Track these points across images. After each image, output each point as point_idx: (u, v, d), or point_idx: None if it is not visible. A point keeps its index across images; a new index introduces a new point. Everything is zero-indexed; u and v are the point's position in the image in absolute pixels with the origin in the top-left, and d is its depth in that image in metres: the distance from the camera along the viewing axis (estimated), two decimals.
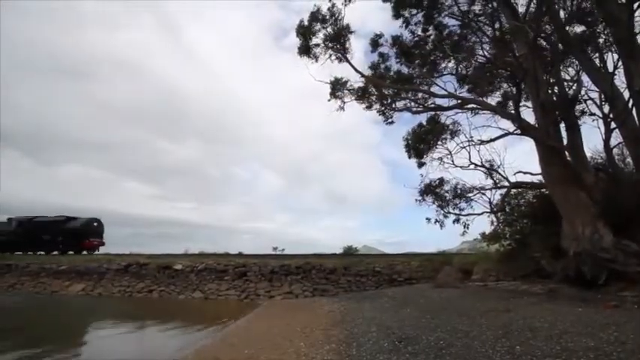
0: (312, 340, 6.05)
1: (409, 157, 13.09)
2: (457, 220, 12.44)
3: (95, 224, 25.78)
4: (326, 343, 5.72)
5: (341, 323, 7.17)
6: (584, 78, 10.38)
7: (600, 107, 10.03)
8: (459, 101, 11.96)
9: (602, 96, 9.68)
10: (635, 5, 7.90)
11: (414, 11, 12.01)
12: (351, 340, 5.71)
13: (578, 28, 9.70)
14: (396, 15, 12.09)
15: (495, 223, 12.39)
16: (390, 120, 13.28)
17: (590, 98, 10.57)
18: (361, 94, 12.90)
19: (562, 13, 9.72)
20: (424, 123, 13.09)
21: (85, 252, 24.42)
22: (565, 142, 9.66)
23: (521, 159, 20.29)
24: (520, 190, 12.03)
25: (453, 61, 12.64)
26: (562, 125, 9.93)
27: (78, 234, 24.56)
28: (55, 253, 24.20)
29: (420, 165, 13.06)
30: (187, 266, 16.55)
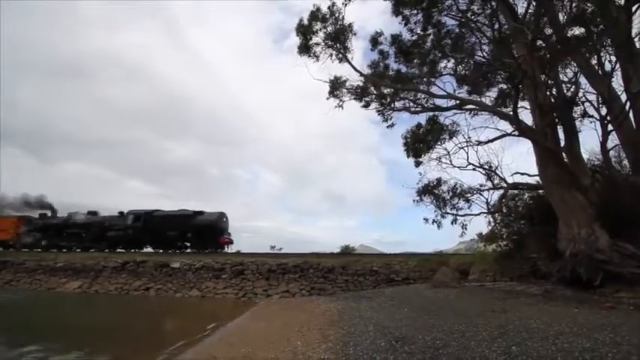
0: (309, 339, 6.05)
1: (408, 157, 13.09)
2: (455, 221, 12.45)
3: (224, 219, 22.91)
4: (323, 342, 5.73)
5: (338, 322, 7.18)
6: (582, 80, 10.42)
7: (598, 109, 10.07)
8: (458, 102, 11.98)
9: (600, 98, 9.72)
10: (634, 8, 7.93)
11: (414, 10, 12.01)
12: (348, 339, 5.72)
13: (577, 30, 9.72)
14: (396, 12, 12.07)
15: (492, 224, 12.44)
16: (390, 122, 13.27)
17: (588, 100, 10.60)
18: (360, 93, 12.89)
19: (561, 15, 9.75)
20: (423, 123, 13.10)
21: (219, 250, 21.84)
22: (562, 143, 9.70)
23: (519, 160, 20.35)
24: (517, 191, 12.08)
25: (452, 62, 12.66)
26: (560, 127, 9.96)
27: (211, 229, 21.69)
28: (188, 250, 22.21)
29: (418, 164, 13.07)
30: (185, 264, 16.54)
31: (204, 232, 21.62)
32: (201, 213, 22.16)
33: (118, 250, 23.26)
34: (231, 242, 22.48)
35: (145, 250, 23.07)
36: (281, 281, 14.65)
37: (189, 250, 22.20)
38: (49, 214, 27.66)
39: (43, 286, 16.90)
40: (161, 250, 22.48)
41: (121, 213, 23.91)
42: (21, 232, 25.93)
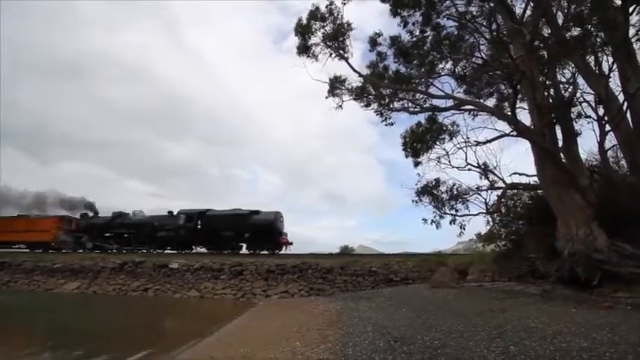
0: (308, 339, 6.05)
1: (406, 156, 13.11)
2: (453, 221, 12.47)
3: (281, 219, 21.44)
4: (322, 342, 5.73)
5: (337, 323, 7.18)
6: (580, 80, 10.46)
7: (595, 110, 10.11)
8: (456, 102, 12.01)
9: (597, 98, 9.76)
10: (631, 9, 7.97)
11: (412, 11, 12.03)
12: (346, 339, 5.72)
13: (575, 31, 9.77)
14: (394, 13, 12.09)
15: (491, 224, 12.46)
16: (389, 121, 13.29)
17: (586, 101, 10.66)
18: (359, 93, 12.90)
19: (559, 16, 9.79)
20: (423, 122, 13.12)
21: (277, 251, 20.65)
22: (560, 144, 9.73)
23: (517, 160, 20.39)
24: (516, 191, 12.10)
25: (450, 62, 12.69)
26: (558, 127, 9.99)
27: (269, 230, 20.41)
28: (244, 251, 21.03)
29: (417, 164, 13.08)
30: (183, 265, 16.51)
31: (261, 232, 20.48)
32: (257, 212, 21.02)
33: (167, 250, 22.39)
34: (290, 243, 21.10)
35: (197, 251, 22.13)
36: (280, 282, 14.63)
37: (244, 251, 21.10)
38: (89, 214, 26.45)
39: (41, 286, 16.84)
40: (211, 251, 21.32)
41: (170, 212, 22.90)
42: (62, 232, 24.70)
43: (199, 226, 21.66)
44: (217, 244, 21.36)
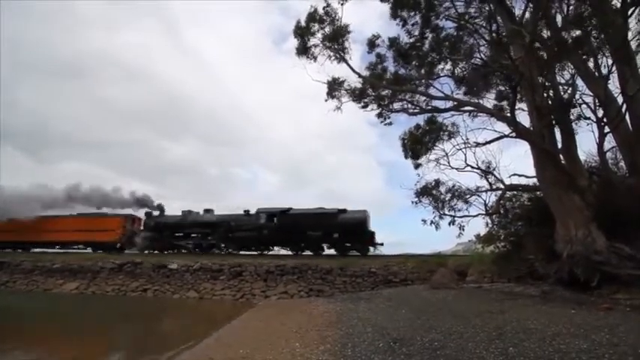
0: (308, 340, 6.05)
1: (406, 158, 13.13)
2: (452, 222, 12.48)
3: (369, 218, 19.88)
4: (321, 343, 5.73)
5: (336, 324, 7.18)
6: (579, 82, 10.48)
7: (594, 111, 10.13)
8: (456, 103, 12.03)
9: (597, 100, 9.77)
10: (630, 11, 8.00)
11: (412, 12, 12.05)
12: (346, 340, 5.72)
13: (574, 33, 9.79)
14: (394, 15, 12.12)
15: (490, 225, 12.46)
16: (387, 121, 13.32)
17: (585, 102, 10.67)
18: (358, 95, 12.92)
19: (558, 17, 9.82)
20: (421, 124, 13.14)
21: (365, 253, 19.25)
22: (560, 145, 9.74)
23: (517, 162, 20.30)
24: (515, 192, 12.11)
25: (449, 63, 12.71)
26: (557, 129, 10.01)
27: (360, 229, 18.93)
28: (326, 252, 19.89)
29: (417, 166, 13.09)
30: (182, 265, 16.49)
31: (351, 232, 19.11)
32: (344, 211, 19.64)
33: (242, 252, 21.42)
34: (380, 244, 19.63)
35: (276, 252, 21.18)
36: (279, 282, 14.62)
37: (331, 252, 19.89)
38: (154, 213, 24.82)
39: (40, 287, 16.82)
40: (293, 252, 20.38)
41: (247, 211, 21.61)
42: (128, 232, 23.74)
43: (282, 226, 20.45)
44: (302, 244, 20.31)
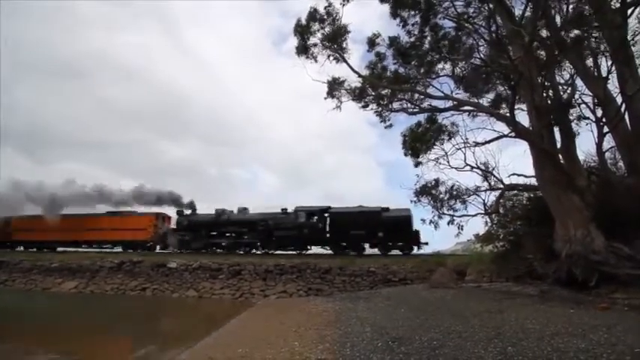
0: (307, 339, 6.05)
1: (406, 155, 13.14)
2: (452, 222, 12.52)
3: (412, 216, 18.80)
4: (320, 342, 5.73)
5: (335, 323, 7.19)
6: (578, 82, 10.50)
7: (593, 111, 10.15)
8: (455, 103, 12.04)
9: (596, 100, 9.79)
10: (629, 11, 8.01)
11: (412, 12, 12.05)
12: (344, 339, 5.73)
13: (573, 33, 9.80)
14: (394, 14, 12.12)
15: (489, 225, 12.49)
16: (388, 122, 13.32)
17: (584, 102, 10.69)
18: (358, 94, 12.92)
19: (558, 18, 9.82)
20: (422, 122, 13.16)
21: (408, 252, 18.50)
22: (559, 145, 9.75)
23: (516, 162, 20.27)
24: (514, 192, 12.13)
25: (449, 63, 12.72)
26: (556, 129, 10.02)
27: (405, 227, 18.09)
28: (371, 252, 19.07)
29: (417, 165, 13.10)
30: (182, 264, 16.48)
31: (397, 230, 18.36)
32: (386, 209, 18.87)
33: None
34: (425, 243, 18.89)
35: (314, 251, 20.33)
36: (278, 282, 14.63)
37: (374, 252, 19.14)
38: (186, 211, 23.81)
39: (39, 286, 16.80)
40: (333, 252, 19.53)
41: (284, 210, 20.96)
42: (159, 230, 23.06)
43: (323, 225, 19.72)
44: (344, 244, 19.57)
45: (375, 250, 19.10)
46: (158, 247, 23.37)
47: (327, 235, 19.71)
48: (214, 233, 22.06)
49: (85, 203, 25.64)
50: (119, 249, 23.48)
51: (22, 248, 25.44)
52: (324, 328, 6.84)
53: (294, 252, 20.17)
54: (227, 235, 21.91)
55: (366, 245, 19.36)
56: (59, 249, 24.51)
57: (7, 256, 20.47)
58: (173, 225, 23.78)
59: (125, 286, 15.79)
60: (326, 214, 19.92)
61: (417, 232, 18.38)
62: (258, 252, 20.83)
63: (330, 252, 19.64)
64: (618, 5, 8.09)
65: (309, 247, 20.50)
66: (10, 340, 8.07)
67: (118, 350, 7.83)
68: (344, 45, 12.46)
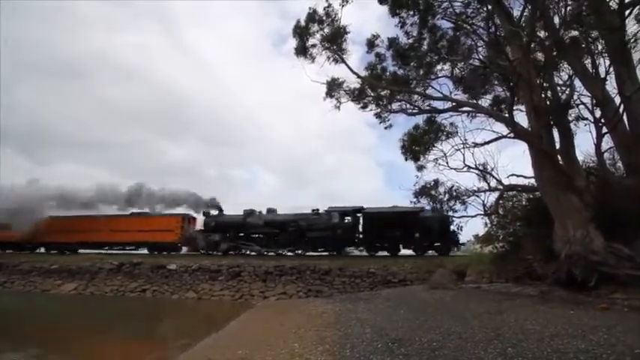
0: (306, 340, 6.05)
1: (405, 159, 13.12)
2: (451, 222, 12.51)
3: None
4: (320, 343, 5.72)
5: (335, 324, 7.18)
6: (577, 83, 10.51)
7: (592, 112, 10.15)
8: (454, 104, 12.05)
9: (594, 101, 9.80)
10: (627, 12, 8.03)
11: (410, 12, 12.07)
12: (344, 341, 5.72)
13: (572, 34, 9.82)
14: (393, 13, 12.14)
15: (489, 226, 12.49)
16: (387, 123, 13.32)
17: (583, 103, 10.69)
18: (357, 95, 12.93)
19: (556, 19, 9.84)
20: (420, 124, 13.16)
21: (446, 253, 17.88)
22: (558, 146, 9.76)
23: (515, 162, 20.29)
24: (513, 193, 12.13)
25: (448, 64, 12.73)
26: (555, 129, 10.04)
27: (444, 228, 17.15)
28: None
29: (420, 169, 13.05)
30: (181, 266, 16.47)
31: (434, 231, 17.85)
32: (422, 209, 17.88)
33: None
34: (462, 244, 18.74)
35: (350, 252, 20.00)
36: (278, 283, 14.62)
37: (403, 252, 18.82)
38: (211, 212, 23.26)
39: (38, 287, 16.77)
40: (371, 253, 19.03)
41: (316, 210, 20.32)
42: (186, 232, 22.62)
43: (357, 225, 19.29)
44: (378, 245, 19.09)
45: (410, 251, 18.73)
46: (185, 249, 22.91)
47: (361, 236, 19.34)
48: (244, 235, 21.50)
49: (116, 204, 25.23)
50: (143, 250, 23.10)
51: (42, 249, 24.87)
52: (323, 329, 6.84)
53: (327, 253, 19.64)
54: (256, 236, 21.33)
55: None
56: (79, 251, 23.87)
57: (6, 257, 20.43)
58: (198, 227, 23.32)
59: (125, 287, 15.78)
60: (359, 215, 19.52)
61: (454, 233, 17.53)
62: (290, 254, 20.27)
63: (364, 253, 19.28)
64: (616, 6, 8.11)
65: (342, 249, 19.99)
66: (9, 342, 8.05)
67: (118, 351, 7.81)
68: (343, 46, 12.46)
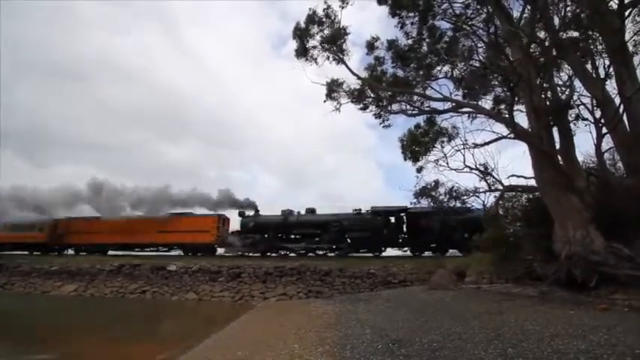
0: (306, 341, 6.04)
1: (405, 159, 13.13)
2: None
3: None
4: (320, 344, 5.72)
5: (335, 325, 7.17)
6: (577, 83, 10.52)
7: (592, 112, 10.16)
8: (454, 104, 12.06)
9: (594, 101, 9.81)
10: (627, 12, 8.04)
11: (410, 13, 12.10)
12: (345, 342, 5.71)
13: (572, 34, 9.83)
14: (393, 14, 12.17)
15: None
16: (387, 123, 13.33)
17: (583, 103, 10.69)
18: (357, 96, 12.94)
19: (556, 19, 9.86)
20: (421, 124, 13.16)
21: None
22: (558, 146, 9.77)
23: (515, 163, 20.13)
24: (513, 193, 12.13)
25: (448, 65, 12.75)
26: (555, 130, 10.04)
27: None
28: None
29: (419, 170, 13.04)
30: (181, 267, 16.47)
31: (481, 231, 16.90)
32: (469, 209, 17.00)
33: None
34: None
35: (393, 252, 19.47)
36: (278, 284, 14.62)
37: (452, 253, 18.39)
38: (247, 212, 22.76)
39: (38, 289, 16.77)
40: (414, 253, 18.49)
41: (358, 210, 19.98)
42: (221, 233, 22.20)
43: (401, 226, 18.84)
44: (424, 245, 18.75)
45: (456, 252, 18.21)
46: (221, 250, 22.51)
47: (405, 236, 19.02)
48: (283, 236, 21.10)
49: (150, 205, 24.77)
50: (173, 252, 22.79)
51: (70, 251, 24.55)
52: (324, 330, 6.83)
53: (369, 255, 19.23)
54: (295, 237, 20.92)
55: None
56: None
57: (6, 259, 20.43)
58: (232, 228, 22.99)
59: (125, 289, 15.79)
60: (402, 214, 19.17)
61: None
62: (331, 254, 19.91)
63: (408, 254, 18.91)
64: (616, 7, 8.12)
65: (384, 250, 19.62)
66: (9, 343, 8.05)
67: (118, 353, 7.79)
68: (343, 47, 12.50)
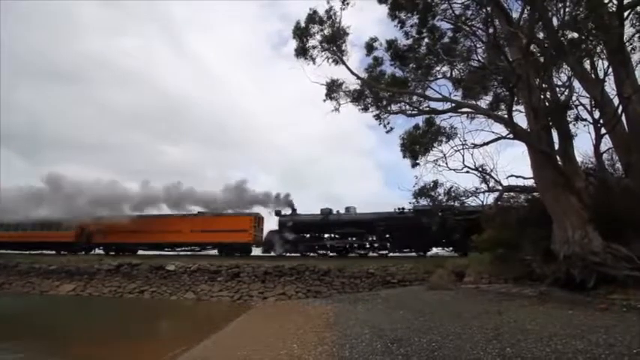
0: (305, 341, 6.04)
1: (404, 157, 13.11)
2: None
3: None
4: (319, 344, 5.72)
5: (334, 325, 7.18)
6: (576, 84, 10.54)
7: (591, 113, 10.18)
8: (454, 105, 12.07)
9: (593, 102, 9.83)
10: (626, 13, 8.06)
11: (410, 14, 12.10)
12: (344, 341, 5.72)
13: (571, 35, 9.85)
14: (392, 15, 12.18)
15: None
16: (388, 127, 13.27)
17: (581, 104, 10.72)
18: (357, 96, 12.94)
19: (555, 20, 9.87)
20: (420, 124, 13.16)
21: None
22: (557, 147, 9.78)
23: (514, 163, 20.17)
24: (512, 193, 12.15)
25: (447, 65, 12.75)
26: (554, 130, 10.06)
27: None
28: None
29: (414, 165, 13.06)
30: (180, 267, 16.44)
31: None
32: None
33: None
34: None
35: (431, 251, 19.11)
36: (277, 284, 14.61)
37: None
38: (283, 211, 22.11)
39: (36, 289, 16.74)
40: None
41: (401, 209, 19.31)
42: (258, 232, 21.74)
43: (446, 225, 17.94)
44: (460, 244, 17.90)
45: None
46: (258, 250, 22.10)
47: (452, 235, 18.01)
48: (323, 235, 20.53)
49: (180, 204, 24.24)
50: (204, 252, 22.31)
51: (99, 250, 24.14)
52: (323, 330, 6.83)
53: (414, 254, 18.82)
54: (335, 236, 20.29)
55: None
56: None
57: (4, 258, 20.37)
58: (267, 227, 22.54)
59: (123, 288, 15.76)
60: (449, 214, 18.73)
61: None
62: (374, 254, 19.49)
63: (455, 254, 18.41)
64: (615, 8, 8.13)
65: (429, 249, 19.22)
66: (9, 344, 8.03)
67: (117, 353, 7.78)
68: (343, 47, 12.49)
